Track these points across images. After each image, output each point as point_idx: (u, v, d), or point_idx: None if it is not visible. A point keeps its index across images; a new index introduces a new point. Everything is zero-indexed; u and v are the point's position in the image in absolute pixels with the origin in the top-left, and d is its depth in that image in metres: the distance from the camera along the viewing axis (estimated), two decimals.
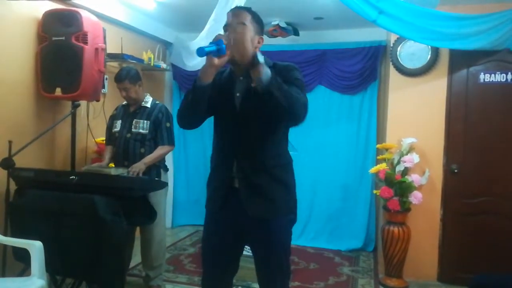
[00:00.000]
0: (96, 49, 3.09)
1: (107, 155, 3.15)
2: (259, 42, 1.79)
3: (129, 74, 3.03)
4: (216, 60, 1.63)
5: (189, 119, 1.85)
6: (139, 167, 2.88)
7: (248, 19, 1.75)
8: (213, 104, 1.79)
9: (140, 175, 2.86)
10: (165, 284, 3.29)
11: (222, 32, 1.82)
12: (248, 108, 1.77)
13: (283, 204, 1.83)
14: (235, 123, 1.80)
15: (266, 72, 1.58)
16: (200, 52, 1.59)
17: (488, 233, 3.46)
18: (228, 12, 1.80)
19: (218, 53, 1.62)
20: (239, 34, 1.70)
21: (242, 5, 1.84)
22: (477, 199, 3.50)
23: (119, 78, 3.04)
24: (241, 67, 1.76)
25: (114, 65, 4.00)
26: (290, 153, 1.92)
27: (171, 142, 3.09)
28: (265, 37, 4.92)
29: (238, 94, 1.80)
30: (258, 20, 1.80)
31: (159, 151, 3.02)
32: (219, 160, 1.88)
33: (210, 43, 1.63)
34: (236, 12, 1.78)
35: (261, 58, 1.60)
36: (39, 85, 3.13)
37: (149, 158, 2.97)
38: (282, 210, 1.83)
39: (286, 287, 1.92)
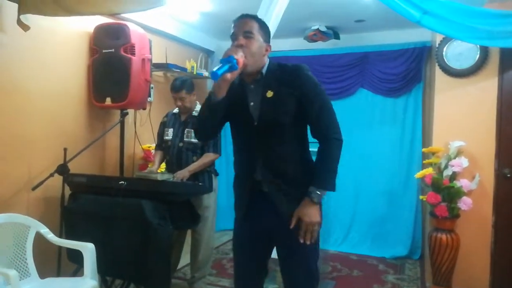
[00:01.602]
0: (143, 59, 3.24)
1: (157, 160, 3.25)
2: (267, 50, 1.76)
3: (186, 84, 3.07)
4: (228, 75, 1.61)
5: (207, 132, 1.90)
6: (183, 174, 2.96)
7: (255, 27, 1.71)
8: (227, 112, 1.80)
9: (184, 181, 2.94)
10: (208, 287, 3.35)
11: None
12: (265, 117, 1.76)
13: None
14: (254, 131, 1.79)
15: (319, 199, 1.73)
16: (214, 76, 1.58)
17: None
18: (235, 21, 1.74)
19: (231, 69, 1.61)
20: (248, 46, 1.68)
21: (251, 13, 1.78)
22: None
23: (177, 88, 3.06)
24: (251, 75, 1.75)
25: (159, 74, 4.15)
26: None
27: (216, 150, 3.11)
28: (304, 42, 4.94)
29: (252, 104, 1.78)
30: (265, 28, 1.76)
31: (203, 159, 3.07)
32: (242, 166, 1.90)
33: (221, 60, 1.62)
34: (243, 21, 1.72)
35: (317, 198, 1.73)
36: (91, 95, 3.32)
37: (193, 166, 3.03)
38: None
39: None
